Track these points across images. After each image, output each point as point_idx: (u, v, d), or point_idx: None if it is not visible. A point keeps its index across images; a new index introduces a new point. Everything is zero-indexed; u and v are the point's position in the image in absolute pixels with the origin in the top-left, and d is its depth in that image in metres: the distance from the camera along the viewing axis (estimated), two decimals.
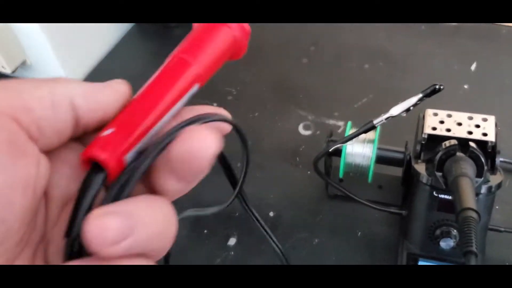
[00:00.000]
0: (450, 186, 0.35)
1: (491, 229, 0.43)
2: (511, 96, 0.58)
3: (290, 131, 0.56)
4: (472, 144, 0.38)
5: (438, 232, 0.40)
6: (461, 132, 0.39)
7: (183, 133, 0.18)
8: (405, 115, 0.35)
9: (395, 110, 0.34)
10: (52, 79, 0.18)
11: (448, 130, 0.40)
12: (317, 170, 0.45)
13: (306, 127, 0.56)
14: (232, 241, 0.46)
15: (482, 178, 0.37)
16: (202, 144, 0.17)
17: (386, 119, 0.35)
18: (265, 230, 0.29)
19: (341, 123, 0.56)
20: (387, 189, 0.48)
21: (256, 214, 0.28)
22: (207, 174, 0.20)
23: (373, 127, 0.37)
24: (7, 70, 0.58)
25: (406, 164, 0.43)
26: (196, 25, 0.21)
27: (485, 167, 0.37)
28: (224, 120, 0.20)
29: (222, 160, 0.23)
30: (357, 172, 0.44)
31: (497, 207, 0.47)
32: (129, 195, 0.18)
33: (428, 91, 0.33)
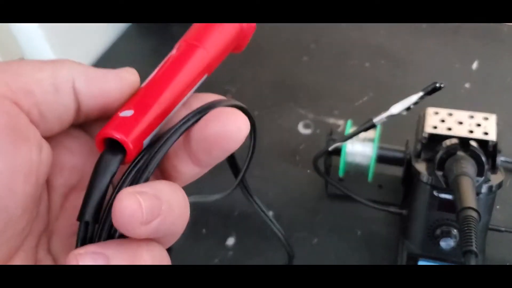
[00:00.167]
0: (450, 185, 0.35)
1: (492, 229, 0.42)
2: None
3: (290, 129, 0.56)
4: (473, 143, 0.37)
5: (438, 231, 0.40)
6: (462, 131, 0.39)
7: (215, 114, 0.18)
8: (405, 113, 0.34)
9: (395, 109, 0.33)
10: (55, 61, 0.17)
11: (449, 129, 0.39)
12: (317, 169, 0.45)
13: (306, 126, 0.56)
14: (230, 241, 0.46)
15: (483, 178, 0.37)
16: (237, 125, 0.17)
17: (386, 117, 0.35)
18: (269, 218, 0.29)
19: (341, 122, 0.56)
20: (387, 189, 0.48)
21: (259, 202, 0.27)
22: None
23: (373, 126, 0.37)
24: None
25: (406, 163, 0.42)
26: None
27: (486, 166, 0.37)
28: (237, 105, 0.20)
29: None
30: (357, 171, 0.44)
31: (497, 206, 0.46)
32: (147, 179, 0.17)
33: (429, 89, 0.32)
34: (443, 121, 0.40)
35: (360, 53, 0.64)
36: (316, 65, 0.63)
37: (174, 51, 0.20)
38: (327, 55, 0.65)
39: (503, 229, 0.43)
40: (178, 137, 0.18)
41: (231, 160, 0.23)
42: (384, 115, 0.35)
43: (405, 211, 0.43)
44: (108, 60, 0.65)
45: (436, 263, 0.41)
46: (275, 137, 0.55)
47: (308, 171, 0.51)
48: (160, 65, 0.20)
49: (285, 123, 0.57)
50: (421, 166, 0.39)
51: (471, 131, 0.39)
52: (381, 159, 0.43)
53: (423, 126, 0.40)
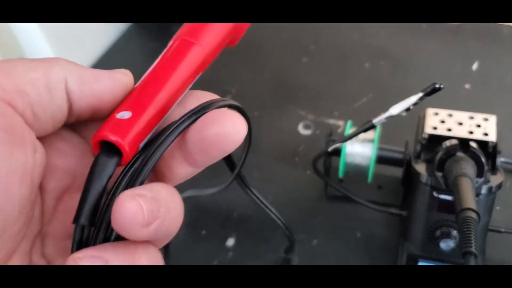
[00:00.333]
0: (450, 186, 0.35)
1: (492, 230, 0.42)
2: None
3: (290, 130, 0.56)
4: (472, 144, 0.37)
5: (438, 233, 0.40)
6: (461, 132, 0.39)
7: (213, 115, 0.18)
8: (405, 114, 0.34)
9: (395, 110, 0.33)
10: (47, 60, 0.17)
11: (449, 129, 0.39)
12: (316, 170, 0.45)
13: (305, 127, 0.56)
14: (230, 242, 0.46)
15: (483, 178, 0.37)
16: (235, 126, 0.17)
17: (385, 118, 0.35)
18: (267, 207, 0.29)
19: (341, 123, 0.56)
20: (387, 190, 0.48)
21: (256, 192, 0.27)
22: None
23: (372, 127, 0.37)
24: None
25: (406, 164, 0.42)
26: None
27: (486, 167, 0.37)
28: (233, 105, 0.20)
29: None
30: (356, 172, 0.44)
31: (497, 207, 0.46)
32: (143, 181, 0.17)
33: (428, 90, 0.32)
34: (443, 122, 0.40)
35: (360, 54, 0.64)
36: (316, 66, 0.63)
37: (169, 48, 0.20)
38: (327, 56, 0.65)
39: (503, 230, 0.43)
40: (174, 139, 0.18)
41: (227, 157, 0.23)
42: (383, 116, 0.35)
43: (405, 212, 0.43)
44: (108, 60, 0.65)
45: (436, 264, 0.41)
46: (274, 138, 0.55)
47: (308, 172, 0.51)
48: (155, 63, 0.19)
49: (285, 124, 0.56)
50: (420, 167, 0.39)
51: (471, 132, 0.39)
52: (380, 160, 0.43)
53: (423, 127, 0.40)
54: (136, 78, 0.20)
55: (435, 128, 0.40)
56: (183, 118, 0.18)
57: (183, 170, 0.19)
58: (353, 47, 0.65)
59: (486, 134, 0.39)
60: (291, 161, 0.53)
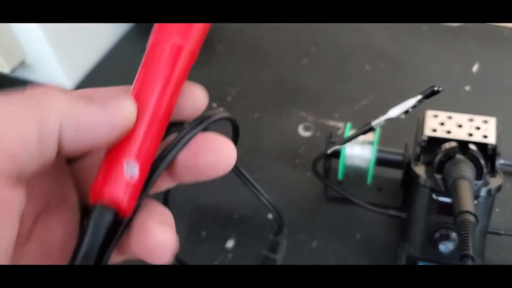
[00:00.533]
0: (449, 188, 0.35)
1: (491, 232, 0.42)
2: None
3: (290, 132, 0.56)
4: (471, 146, 0.37)
5: (437, 235, 0.40)
6: (461, 134, 0.39)
7: (207, 143, 0.18)
8: (403, 117, 0.34)
9: (394, 112, 0.33)
10: (43, 104, 0.15)
11: (448, 132, 0.39)
12: (316, 172, 0.45)
13: (306, 128, 0.56)
14: (230, 243, 0.46)
15: (482, 181, 0.37)
16: (228, 155, 0.18)
17: (384, 121, 0.35)
18: (255, 187, 0.29)
19: (341, 124, 0.56)
20: (387, 191, 0.48)
21: (244, 172, 0.27)
22: None
23: (371, 129, 0.37)
24: (6, 70, 0.58)
25: (405, 166, 0.42)
26: None
27: (485, 170, 0.37)
28: (226, 118, 0.20)
29: None
30: (356, 174, 0.44)
31: (497, 209, 0.46)
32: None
33: (427, 92, 0.32)
34: (442, 124, 0.40)
35: (360, 55, 0.64)
36: (316, 68, 0.63)
37: (157, 52, 0.18)
38: (327, 58, 0.65)
39: (502, 232, 0.43)
40: (168, 165, 0.18)
41: None
42: (382, 118, 0.35)
43: (404, 214, 0.43)
44: (109, 61, 0.66)
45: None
46: (275, 139, 0.55)
47: (308, 173, 0.51)
48: (146, 73, 0.18)
49: (285, 125, 0.57)
50: (420, 169, 0.39)
51: (471, 134, 0.39)
52: (380, 162, 0.43)
53: (422, 129, 0.40)
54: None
55: (434, 130, 0.40)
56: (175, 143, 0.18)
57: (165, 185, 0.19)
58: (353, 49, 0.66)
59: (485, 137, 0.39)
60: (291, 163, 0.53)
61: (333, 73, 0.63)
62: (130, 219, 0.17)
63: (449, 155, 0.37)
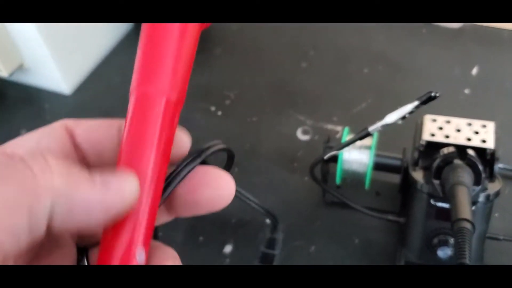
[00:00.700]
0: (446, 194, 0.35)
1: (490, 238, 0.42)
2: None
3: (288, 135, 0.56)
4: (470, 151, 0.37)
5: (435, 240, 0.39)
6: (459, 139, 0.39)
7: (206, 178, 0.18)
8: (400, 122, 0.34)
9: (390, 118, 0.33)
10: (35, 184, 0.14)
11: (447, 136, 0.39)
12: (313, 177, 0.45)
13: (304, 132, 0.56)
14: (228, 248, 0.46)
15: (480, 186, 0.36)
16: (228, 190, 0.18)
17: (381, 126, 0.35)
18: (240, 193, 0.28)
19: (339, 128, 0.56)
20: (385, 196, 0.48)
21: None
22: None
23: (368, 134, 0.36)
24: (4, 73, 0.57)
25: (403, 171, 0.42)
26: (142, 35, 0.18)
27: (483, 175, 0.36)
28: (224, 149, 0.20)
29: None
30: (354, 178, 0.44)
31: (496, 214, 0.46)
32: None
33: (424, 98, 0.32)
34: (440, 128, 0.40)
35: (359, 58, 0.64)
36: (315, 71, 0.63)
37: (147, 111, 0.17)
38: (326, 61, 0.65)
39: (501, 237, 0.43)
40: (166, 199, 0.18)
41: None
42: (379, 124, 0.35)
43: (403, 219, 0.43)
44: (107, 64, 0.65)
45: None
46: (273, 143, 0.55)
47: (306, 178, 0.51)
48: (138, 141, 0.17)
49: (284, 129, 0.56)
50: (418, 175, 0.39)
51: (469, 139, 0.39)
52: (378, 166, 0.43)
53: (420, 134, 0.40)
54: None
55: (433, 135, 0.39)
56: (173, 179, 0.18)
57: (162, 219, 0.19)
58: (352, 52, 0.65)
59: (484, 141, 0.39)
60: (290, 167, 0.52)
61: (332, 76, 0.62)
62: None
63: (447, 160, 0.37)
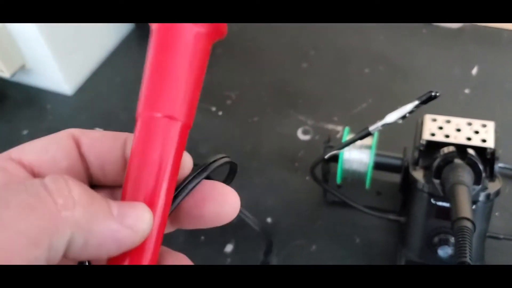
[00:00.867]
0: (447, 193, 0.35)
1: (490, 237, 0.42)
2: None
3: (289, 136, 0.56)
4: (470, 150, 0.37)
5: (436, 239, 0.40)
6: (460, 138, 0.39)
7: (213, 193, 0.18)
8: (401, 122, 0.34)
9: (390, 118, 0.33)
10: (56, 216, 0.14)
11: (447, 136, 0.39)
12: (314, 177, 0.45)
13: (305, 132, 0.56)
14: (229, 248, 0.46)
15: (480, 186, 0.37)
16: (233, 206, 0.18)
17: (381, 126, 0.35)
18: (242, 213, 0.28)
19: (340, 128, 0.56)
20: (386, 195, 0.48)
21: None
22: None
23: (368, 134, 0.37)
24: (6, 74, 0.58)
25: (404, 171, 0.42)
26: (150, 49, 0.18)
27: (483, 174, 0.37)
28: (228, 163, 0.20)
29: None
30: (354, 178, 0.44)
31: (496, 213, 0.46)
32: None
33: (424, 98, 0.32)
34: (441, 128, 0.40)
35: (360, 59, 0.64)
36: (316, 71, 0.63)
37: (155, 135, 0.17)
38: (327, 61, 0.65)
39: (501, 236, 0.43)
40: (173, 210, 0.18)
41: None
42: (379, 123, 0.35)
43: (403, 219, 0.43)
44: (109, 65, 0.66)
45: None
46: (274, 143, 0.55)
47: (307, 177, 0.51)
48: (148, 171, 0.17)
49: (284, 129, 0.57)
50: (418, 174, 0.39)
51: (469, 138, 0.39)
52: (378, 166, 0.43)
53: (420, 133, 0.40)
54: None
55: (433, 135, 0.40)
56: (180, 191, 0.18)
57: (165, 230, 0.19)
58: (352, 52, 0.66)
59: (484, 141, 0.39)
60: (291, 167, 0.53)
61: (332, 76, 0.63)
62: None
63: (448, 160, 0.37)
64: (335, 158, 0.43)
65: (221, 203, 0.18)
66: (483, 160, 0.37)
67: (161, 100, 0.17)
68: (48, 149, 0.18)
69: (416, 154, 0.40)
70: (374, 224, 0.47)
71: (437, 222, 0.39)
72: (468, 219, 0.29)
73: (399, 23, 0.68)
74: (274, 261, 0.44)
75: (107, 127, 0.57)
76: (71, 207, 0.15)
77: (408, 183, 0.41)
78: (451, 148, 0.38)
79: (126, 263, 0.17)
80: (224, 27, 0.18)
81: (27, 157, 0.17)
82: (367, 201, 0.46)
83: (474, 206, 0.37)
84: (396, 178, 0.45)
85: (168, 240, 0.20)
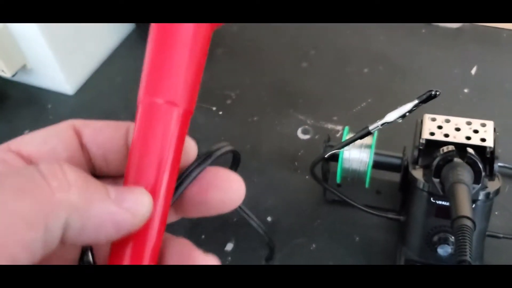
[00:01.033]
0: (446, 192, 0.35)
1: (490, 236, 0.42)
2: (511, 100, 0.58)
3: (289, 135, 0.56)
4: (469, 149, 0.37)
5: (435, 238, 0.40)
6: (459, 138, 0.39)
7: (217, 180, 0.18)
8: (400, 121, 0.34)
9: (390, 117, 0.34)
10: (51, 199, 0.14)
11: (446, 135, 0.40)
12: (314, 176, 0.45)
13: (305, 131, 0.56)
14: (229, 247, 0.46)
15: (480, 185, 0.37)
16: (238, 193, 0.18)
17: (381, 125, 0.35)
18: (244, 211, 0.28)
19: (340, 127, 0.56)
20: (386, 194, 0.48)
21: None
22: None
23: (368, 133, 0.37)
24: (7, 74, 0.58)
25: (403, 170, 0.42)
26: (149, 41, 0.18)
27: (483, 173, 0.37)
28: (231, 151, 0.20)
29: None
30: (354, 177, 0.44)
31: (496, 212, 0.46)
32: None
33: (424, 97, 0.32)
34: (440, 127, 0.40)
35: (359, 59, 0.65)
36: (316, 71, 0.64)
37: (156, 123, 0.17)
38: (327, 61, 0.65)
39: (501, 235, 0.43)
40: (176, 199, 0.18)
41: None
42: (379, 122, 0.35)
43: (403, 218, 0.43)
44: (110, 65, 0.66)
45: None
46: (274, 142, 0.55)
47: (307, 177, 0.51)
48: (149, 157, 0.17)
49: (284, 128, 0.57)
50: (418, 173, 0.39)
51: (469, 138, 0.39)
52: (378, 165, 0.43)
53: (420, 133, 0.40)
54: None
55: (432, 134, 0.40)
56: (184, 179, 0.18)
57: (169, 219, 0.19)
58: (352, 52, 0.66)
59: (483, 140, 0.39)
60: (291, 166, 0.53)
61: (332, 76, 0.63)
62: None
63: (447, 159, 0.37)
64: (335, 157, 0.43)
65: (226, 189, 0.18)
66: (483, 159, 0.37)
67: (162, 85, 0.17)
68: (48, 141, 0.18)
69: (416, 153, 0.40)
70: (373, 223, 0.47)
71: (437, 221, 0.39)
72: (468, 217, 0.29)
73: (398, 23, 0.68)
74: (274, 260, 0.44)
75: None
76: (66, 189, 0.14)
77: (407, 182, 0.41)
78: (451, 147, 0.38)
79: (129, 248, 0.16)
80: None
81: (26, 149, 0.17)
82: (367, 200, 0.46)
83: (473, 205, 0.37)
84: (395, 177, 0.45)
85: None
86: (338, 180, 0.44)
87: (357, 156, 0.42)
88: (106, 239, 0.16)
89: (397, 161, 0.43)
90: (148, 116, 0.17)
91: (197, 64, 0.17)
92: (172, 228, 0.20)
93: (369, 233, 0.47)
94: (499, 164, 0.40)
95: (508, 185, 0.49)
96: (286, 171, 0.52)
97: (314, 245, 0.46)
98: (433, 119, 0.41)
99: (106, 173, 0.19)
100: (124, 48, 0.68)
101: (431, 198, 0.39)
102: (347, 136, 0.42)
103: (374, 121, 0.39)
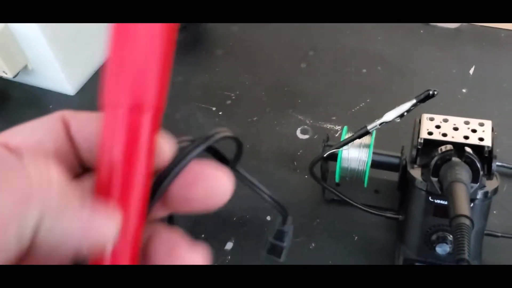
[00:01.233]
0: (445, 191, 0.35)
1: (488, 234, 0.43)
2: (509, 100, 0.58)
3: (288, 135, 0.56)
4: (467, 149, 0.38)
5: (434, 237, 0.40)
6: (457, 137, 0.39)
7: (201, 175, 0.17)
8: (399, 120, 0.35)
9: (389, 116, 0.34)
10: (26, 194, 0.14)
11: (444, 135, 0.40)
12: (313, 175, 0.45)
13: (304, 131, 0.57)
14: (229, 245, 0.47)
15: (478, 184, 0.37)
16: (223, 188, 0.17)
17: (379, 124, 0.35)
18: (254, 184, 0.27)
19: (339, 127, 0.56)
20: (384, 194, 0.48)
21: (243, 172, 0.25)
22: None
23: (367, 133, 0.37)
24: (9, 75, 0.58)
25: (402, 169, 0.43)
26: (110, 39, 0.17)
27: (481, 172, 0.37)
28: (229, 137, 0.19)
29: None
30: (353, 176, 0.44)
31: (494, 211, 0.47)
32: None
33: (422, 96, 0.33)
34: (438, 127, 0.41)
35: (358, 59, 0.65)
36: (315, 72, 0.64)
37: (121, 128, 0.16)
38: (325, 62, 0.65)
39: (499, 234, 0.43)
40: (163, 193, 0.17)
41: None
42: (377, 122, 0.35)
43: (401, 217, 0.44)
44: None
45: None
46: (273, 142, 0.56)
47: (306, 176, 0.52)
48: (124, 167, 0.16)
49: (284, 128, 0.57)
50: (416, 172, 0.40)
51: (467, 137, 0.39)
52: (377, 164, 0.44)
53: (418, 132, 0.40)
54: None
55: (430, 133, 0.40)
56: (170, 170, 0.17)
57: (158, 215, 0.19)
58: (351, 53, 0.66)
59: (481, 139, 0.39)
60: (290, 165, 0.53)
61: (331, 76, 0.63)
62: None
63: (445, 158, 0.37)
64: (333, 157, 0.43)
65: (209, 186, 0.17)
66: (481, 158, 0.38)
67: (132, 85, 0.15)
68: (35, 132, 0.17)
69: (414, 152, 0.40)
70: (372, 222, 0.47)
71: (435, 220, 0.40)
72: (466, 216, 0.30)
73: (397, 23, 0.68)
74: (290, 231, 0.44)
75: None
76: (45, 186, 0.14)
77: (406, 181, 0.41)
78: (449, 147, 0.38)
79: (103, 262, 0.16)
80: None
81: (14, 141, 0.17)
82: (365, 199, 0.47)
83: (471, 204, 0.38)
84: (394, 176, 0.45)
85: None
86: (337, 179, 0.45)
87: (355, 155, 0.43)
88: (71, 249, 0.15)
89: (396, 161, 0.44)
90: (120, 119, 0.16)
91: (160, 56, 0.16)
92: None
93: (368, 232, 0.47)
94: (497, 163, 0.40)
95: (506, 184, 0.49)
96: (286, 171, 0.53)
97: (313, 244, 0.46)
98: (431, 119, 0.41)
99: (94, 165, 0.19)
100: None
101: (430, 197, 0.39)
102: (345, 136, 0.43)
103: (373, 120, 0.39)
